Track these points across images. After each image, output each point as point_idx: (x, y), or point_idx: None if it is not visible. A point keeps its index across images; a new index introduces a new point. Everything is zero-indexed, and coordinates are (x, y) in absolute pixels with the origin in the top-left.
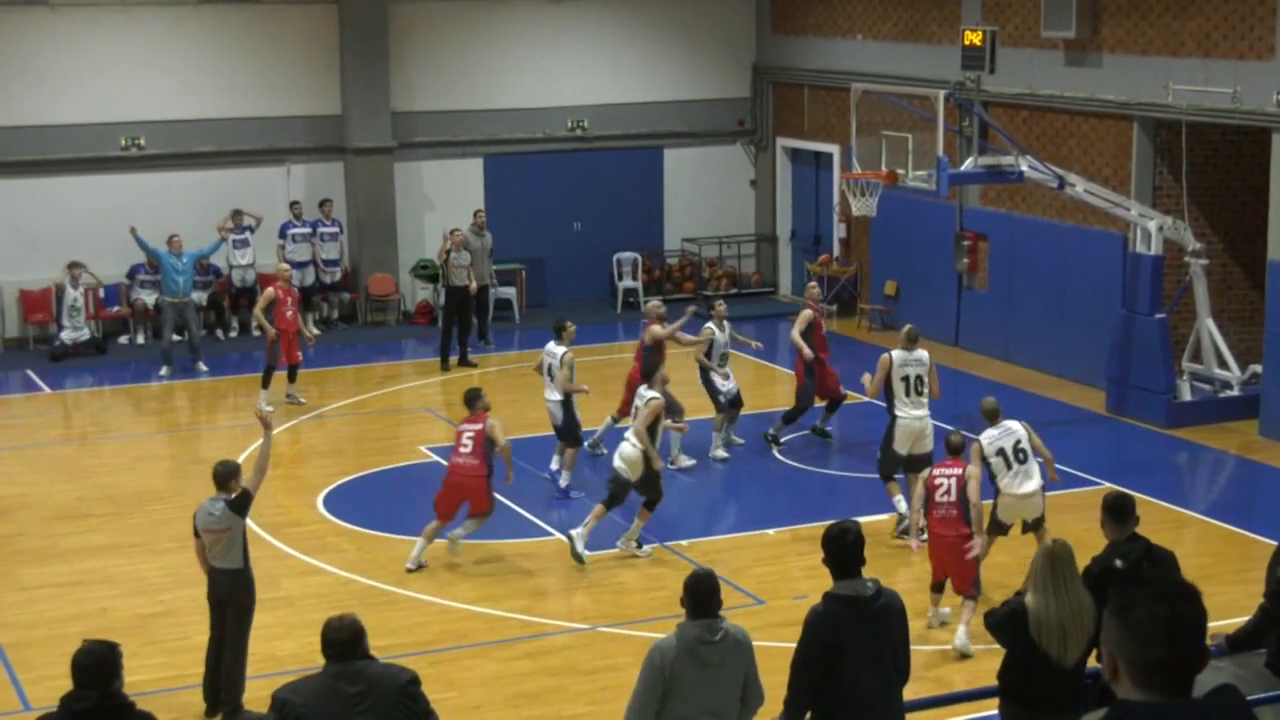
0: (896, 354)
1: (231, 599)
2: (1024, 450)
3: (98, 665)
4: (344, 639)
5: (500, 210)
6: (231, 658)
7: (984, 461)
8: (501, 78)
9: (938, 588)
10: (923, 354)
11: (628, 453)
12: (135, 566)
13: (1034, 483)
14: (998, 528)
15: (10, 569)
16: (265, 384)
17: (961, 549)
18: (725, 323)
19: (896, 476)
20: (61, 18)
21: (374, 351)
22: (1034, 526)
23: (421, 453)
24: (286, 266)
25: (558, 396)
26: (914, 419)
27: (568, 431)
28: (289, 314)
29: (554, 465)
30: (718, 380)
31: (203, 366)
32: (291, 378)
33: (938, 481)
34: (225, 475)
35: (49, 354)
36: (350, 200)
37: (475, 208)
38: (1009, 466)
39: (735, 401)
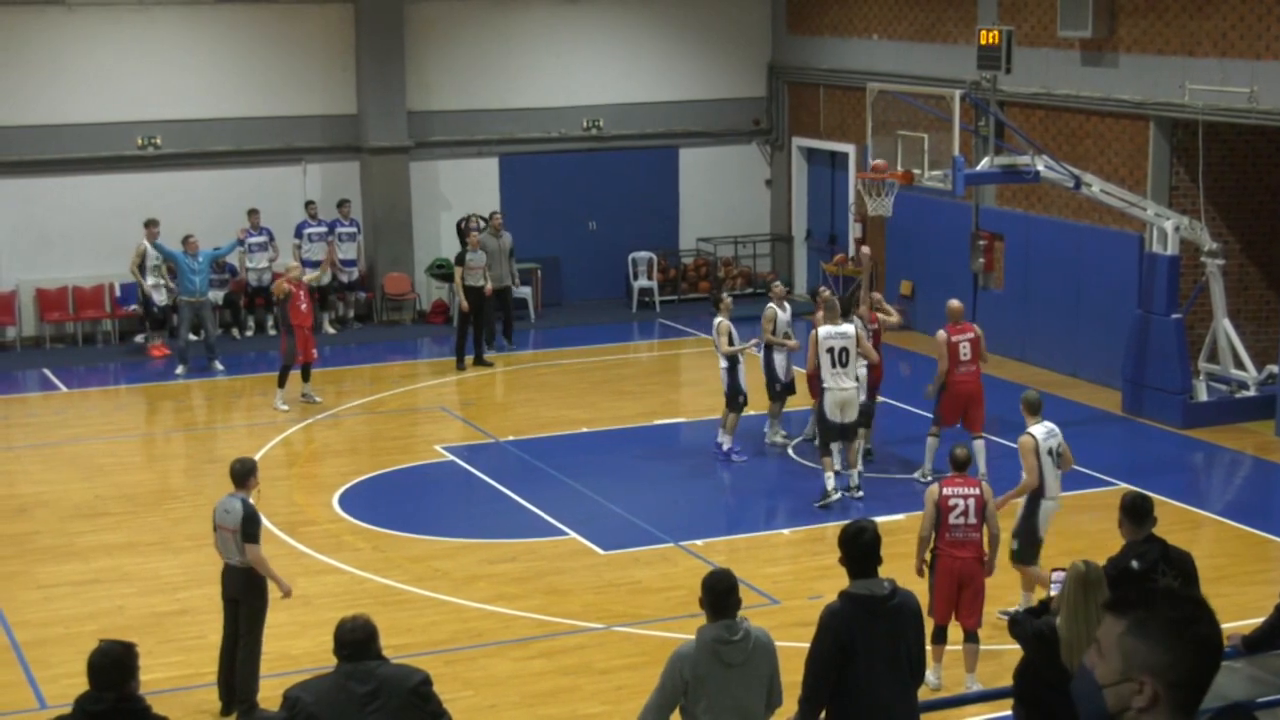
0: (822, 330)
1: (243, 597)
2: (1060, 455)
3: (113, 666)
4: (357, 639)
5: (516, 210)
6: (245, 656)
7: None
8: (517, 77)
9: (940, 634)
10: (848, 328)
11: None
12: (152, 565)
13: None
14: (1036, 547)
15: (27, 567)
16: (281, 383)
17: (981, 575)
18: (786, 303)
19: (833, 447)
20: (78, 17)
21: (389, 350)
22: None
23: (437, 452)
24: (296, 264)
25: (723, 364)
26: (841, 389)
27: (729, 397)
28: (303, 307)
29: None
30: (779, 363)
31: (219, 365)
32: (305, 376)
33: (952, 502)
34: (243, 473)
35: (148, 324)
36: (366, 199)
37: (491, 209)
38: (1055, 470)
39: (789, 388)
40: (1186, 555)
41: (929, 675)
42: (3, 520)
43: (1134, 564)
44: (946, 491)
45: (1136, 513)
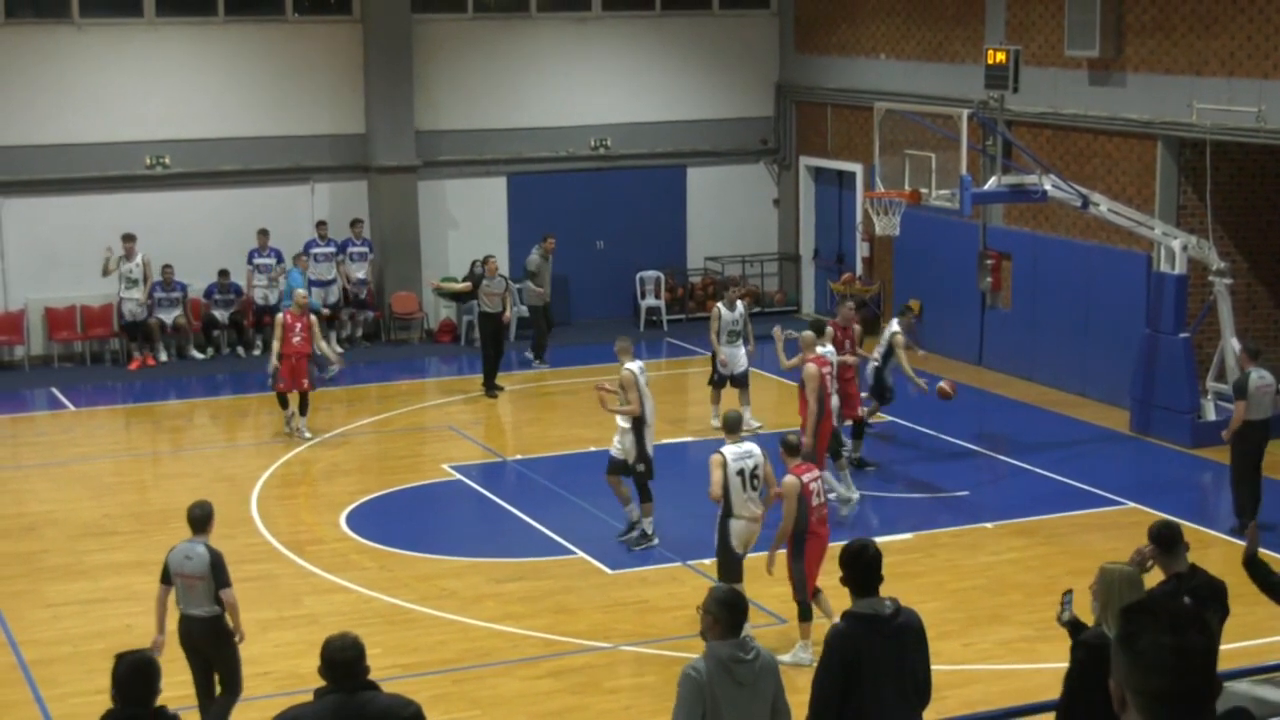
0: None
1: (208, 648)
2: (758, 477)
3: (139, 677)
4: (348, 659)
5: (523, 229)
6: (227, 705)
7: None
8: (525, 96)
9: (808, 612)
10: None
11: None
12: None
13: (759, 510)
14: (734, 565)
15: (35, 586)
16: (303, 410)
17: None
18: (738, 303)
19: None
20: (88, 37)
21: (397, 369)
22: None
23: (445, 471)
24: (303, 293)
25: (875, 363)
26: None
27: (882, 392)
28: (295, 340)
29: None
30: (728, 354)
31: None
32: (303, 409)
33: (812, 486)
34: (203, 517)
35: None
36: (374, 219)
37: (499, 227)
38: (744, 490)
39: (740, 380)
40: (1223, 586)
41: (801, 653)
42: (11, 539)
43: (1186, 600)
44: (805, 478)
45: (1166, 542)
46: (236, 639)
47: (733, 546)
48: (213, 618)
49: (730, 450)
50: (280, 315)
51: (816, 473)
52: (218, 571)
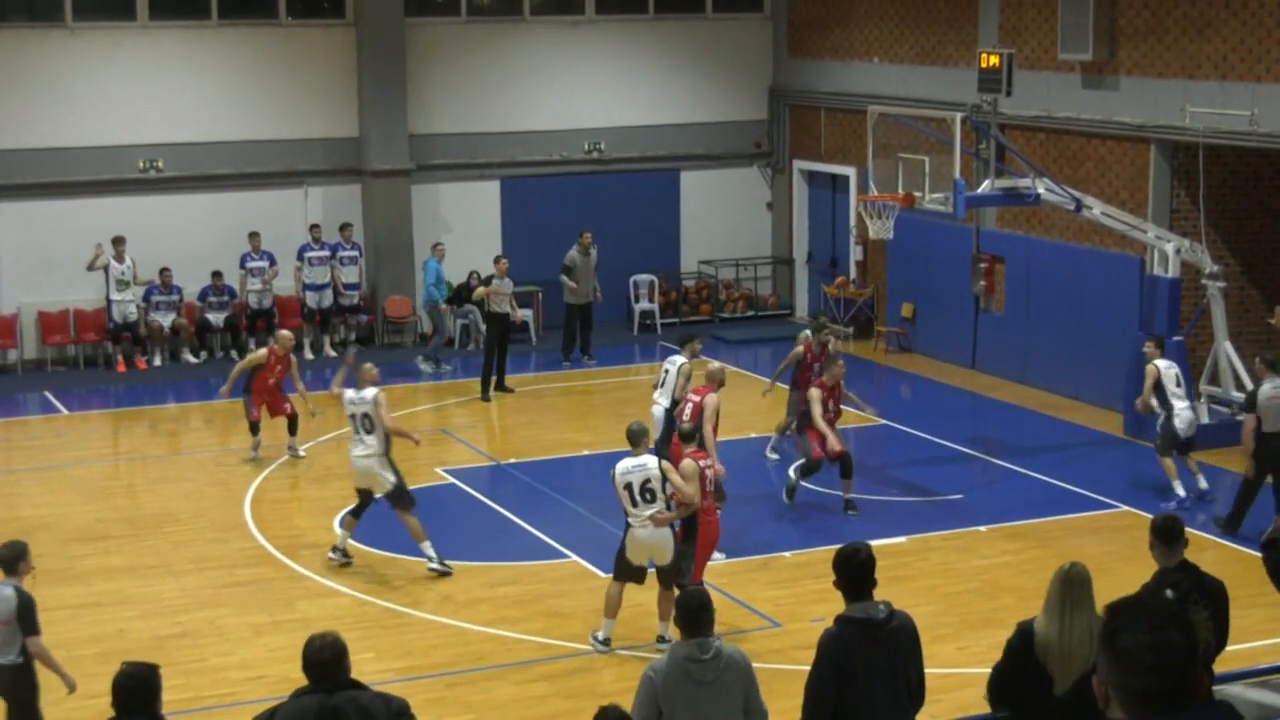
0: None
1: (13, 697)
2: (652, 490)
3: (141, 688)
4: (324, 659)
5: (517, 233)
6: None
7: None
8: (519, 100)
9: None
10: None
11: None
12: (153, 588)
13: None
14: (624, 567)
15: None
16: (255, 433)
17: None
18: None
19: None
20: (80, 40)
21: (391, 374)
22: (667, 575)
23: (438, 475)
24: (289, 335)
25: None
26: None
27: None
28: (271, 382)
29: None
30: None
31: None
32: (291, 429)
33: (708, 473)
34: (13, 558)
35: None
36: (368, 222)
37: (493, 231)
38: (634, 504)
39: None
40: (1220, 585)
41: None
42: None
43: (1169, 593)
44: (702, 463)
45: (1167, 534)
46: (67, 690)
47: (626, 555)
48: (15, 666)
49: (621, 464)
50: (262, 351)
51: (711, 460)
52: (24, 617)
